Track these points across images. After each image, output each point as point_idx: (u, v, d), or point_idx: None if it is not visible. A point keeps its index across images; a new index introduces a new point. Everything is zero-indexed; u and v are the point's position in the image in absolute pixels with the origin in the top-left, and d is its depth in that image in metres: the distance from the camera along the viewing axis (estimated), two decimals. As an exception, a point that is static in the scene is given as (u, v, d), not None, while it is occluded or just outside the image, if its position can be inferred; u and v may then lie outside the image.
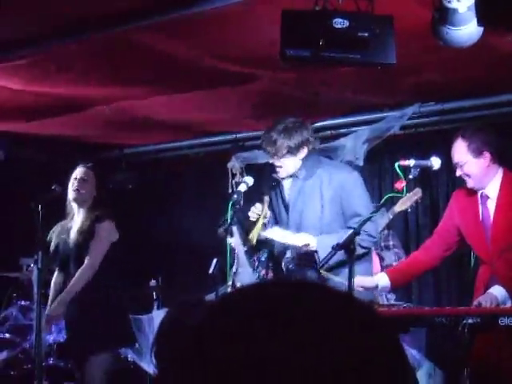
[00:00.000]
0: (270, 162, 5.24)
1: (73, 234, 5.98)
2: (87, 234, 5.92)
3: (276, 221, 5.43)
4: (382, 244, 6.89)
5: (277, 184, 5.36)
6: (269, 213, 5.33)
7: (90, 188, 6.03)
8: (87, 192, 6.00)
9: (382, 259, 7.07)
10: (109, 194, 6.33)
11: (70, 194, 6.00)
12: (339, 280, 4.80)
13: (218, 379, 0.88)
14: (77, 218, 6.03)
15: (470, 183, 4.97)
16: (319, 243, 4.98)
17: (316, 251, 5.00)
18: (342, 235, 4.86)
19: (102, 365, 5.85)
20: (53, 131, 8.14)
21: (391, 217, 6.67)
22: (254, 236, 5.25)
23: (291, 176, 5.24)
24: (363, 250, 4.88)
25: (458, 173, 4.98)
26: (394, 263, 6.53)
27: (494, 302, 4.58)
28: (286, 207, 5.31)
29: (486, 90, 6.90)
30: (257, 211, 5.23)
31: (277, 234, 5.17)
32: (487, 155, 4.89)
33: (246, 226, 5.42)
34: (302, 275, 5.10)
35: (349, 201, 5.09)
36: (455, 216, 5.14)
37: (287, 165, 5.16)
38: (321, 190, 5.14)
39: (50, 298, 6.04)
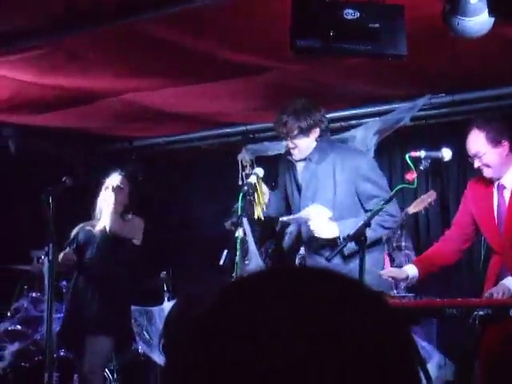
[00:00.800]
0: (284, 144, 5.27)
1: (100, 228, 6.06)
2: (121, 222, 6.02)
3: (288, 203, 5.44)
4: (394, 244, 6.88)
5: (291, 166, 5.38)
6: (266, 189, 5.34)
7: (123, 196, 6.10)
8: (120, 201, 6.08)
9: (392, 260, 7.07)
10: (140, 201, 6.42)
11: (102, 203, 6.07)
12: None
13: (221, 369, 0.88)
14: (106, 218, 6.11)
15: (489, 173, 4.91)
16: (341, 229, 4.98)
17: (338, 237, 4.99)
18: (360, 221, 4.89)
19: (100, 349, 5.87)
20: (63, 123, 8.14)
21: (404, 218, 6.66)
22: (259, 212, 5.27)
23: (304, 159, 5.26)
24: (386, 231, 4.83)
25: (477, 164, 4.91)
26: (404, 265, 6.52)
27: (506, 293, 4.56)
28: (299, 190, 5.33)
29: (497, 81, 6.87)
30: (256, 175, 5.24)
31: (314, 212, 5.15)
32: (506, 144, 4.86)
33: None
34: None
35: (364, 185, 5.10)
36: (470, 205, 5.11)
37: (301, 145, 5.19)
38: (334, 175, 5.15)
39: None
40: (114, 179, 6.12)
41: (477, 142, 4.87)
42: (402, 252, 7.26)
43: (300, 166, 5.33)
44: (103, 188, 6.10)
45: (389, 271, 4.91)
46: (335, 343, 0.87)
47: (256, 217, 5.45)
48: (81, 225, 6.24)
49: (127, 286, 6.04)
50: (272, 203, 5.42)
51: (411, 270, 5.01)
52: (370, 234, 4.61)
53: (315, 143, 5.20)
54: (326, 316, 0.89)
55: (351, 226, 4.83)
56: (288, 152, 5.34)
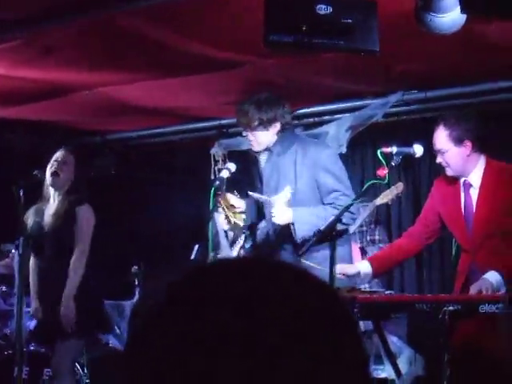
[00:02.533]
0: (244, 134, 5.28)
1: (48, 218, 5.93)
2: (67, 217, 5.88)
3: (259, 205, 5.46)
4: (368, 238, 6.90)
5: (255, 160, 5.40)
6: (239, 202, 5.37)
7: (69, 172, 5.97)
8: (65, 175, 5.94)
9: (364, 253, 7.09)
10: (86, 180, 6.27)
11: (48, 178, 5.94)
12: (315, 266, 4.82)
13: (173, 355, 0.88)
14: (52, 202, 5.98)
15: (450, 171, 4.98)
16: (295, 216, 5.00)
17: (292, 223, 5.01)
18: (320, 211, 4.91)
19: (70, 351, 5.83)
20: (35, 116, 8.10)
21: (372, 209, 6.68)
22: (235, 221, 5.30)
23: (266, 151, 5.27)
24: (343, 226, 4.83)
25: (439, 160, 4.98)
26: None
27: (489, 288, 4.57)
28: (261, 182, 5.35)
29: (470, 78, 6.91)
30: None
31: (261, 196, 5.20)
32: (468, 144, 4.90)
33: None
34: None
35: (324, 177, 5.10)
36: (437, 203, 5.15)
37: (259, 138, 5.20)
38: (295, 166, 5.15)
39: (32, 285, 5.99)
40: (58, 154, 6.02)
41: (440, 139, 4.92)
42: (376, 245, 7.29)
43: (263, 159, 5.34)
44: (48, 166, 5.97)
45: (341, 267, 4.91)
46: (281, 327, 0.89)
47: (228, 227, 5.49)
48: (32, 211, 6.08)
49: (89, 283, 5.94)
50: (248, 211, 5.43)
51: (364, 267, 5.03)
52: (323, 227, 4.61)
53: (275, 137, 5.21)
54: (274, 307, 0.90)
55: (305, 215, 4.93)
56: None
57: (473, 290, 4.64)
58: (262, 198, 5.21)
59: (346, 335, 0.93)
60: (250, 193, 5.26)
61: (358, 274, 5.02)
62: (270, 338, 0.87)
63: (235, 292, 0.91)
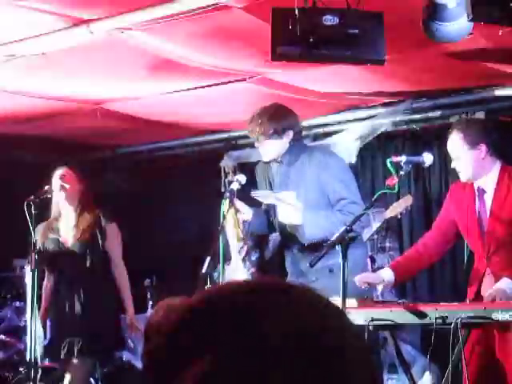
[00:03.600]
0: (256, 145, 5.29)
1: (66, 233, 5.95)
2: (95, 233, 5.91)
3: (269, 217, 5.45)
4: (379, 245, 6.87)
5: (266, 171, 5.41)
6: (247, 209, 5.36)
7: (74, 183, 6.00)
8: (71, 189, 5.97)
9: (373, 261, 7.07)
10: (97, 194, 6.30)
11: (58, 195, 5.96)
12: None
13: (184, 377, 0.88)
14: (68, 217, 6.00)
15: (464, 176, 4.95)
16: (305, 218, 5.02)
17: (301, 226, 5.03)
18: (330, 215, 4.92)
19: (86, 369, 5.83)
20: (44, 132, 8.12)
21: (381, 221, 6.68)
22: (238, 235, 5.32)
23: (276, 161, 5.29)
24: (353, 234, 4.81)
25: (453, 165, 4.95)
26: (386, 266, 6.53)
27: (502, 296, 4.55)
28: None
29: (480, 85, 6.90)
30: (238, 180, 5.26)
31: (267, 198, 5.21)
32: (483, 147, 4.88)
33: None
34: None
35: (333, 185, 5.11)
36: (451, 209, 5.12)
37: (272, 147, 5.22)
38: (304, 176, 5.17)
39: (44, 301, 6.01)
40: (58, 172, 6.04)
41: (454, 142, 4.90)
42: (386, 253, 7.27)
43: (274, 170, 5.36)
44: (53, 186, 6.00)
45: (364, 276, 4.89)
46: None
47: (236, 240, 5.50)
48: (42, 228, 6.08)
49: (108, 295, 5.96)
50: (254, 219, 5.42)
51: (387, 275, 4.99)
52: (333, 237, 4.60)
53: (286, 146, 5.24)
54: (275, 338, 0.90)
55: (315, 217, 4.98)
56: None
57: (486, 298, 4.61)
58: (266, 193, 5.21)
59: (355, 366, 0.93)
60: (253, 193, 5.26)
61: (382, 282, 4.99)
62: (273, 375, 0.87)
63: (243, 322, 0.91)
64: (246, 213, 5.35)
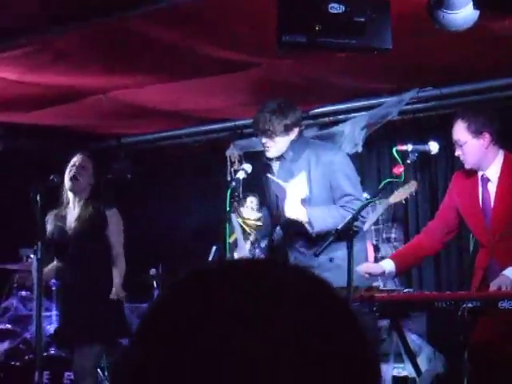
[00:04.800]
0: (263, 141, 5.23)
1: (72, 223, 5.95)
2: (96, 220, 5.90)
3: (266, 203, 5.45)
4: (384, 236, 6.87)
5: (267, 168, 5.37)
6: (257, 215, 5.38)
7: (88, 176, 5.99)
8: (85, 180, 5.96)
9: (377, 250, 7.07)
10: (107, 184, 6.30)
11: (67, 183, 5.96)
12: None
13: (174, 355, 0.88)
14: (73, 207, 6.00)
15: (467, 164, 4.95)
16: (310, 214, 5.00)
17: (308, 222, 5.01)
18: (334, 212, 4.91)
19: (93, 357, 5.84)
20: (50, 121, 8.13)
21: (385, 207, 6.67)
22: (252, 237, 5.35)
23: (278, 158, 5.25)
24: (356, 224, 4.80)
25: (457, 152, 4.95)
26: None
27: (509, 285, 4.54)
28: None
29: (484, 75, 6.89)
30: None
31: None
32: (487, 136, 4.87)
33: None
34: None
35: (337, 181, 5.08)
36: (455, 198, 5.12)
37: (279, 144, 5.17)
38: (309, 172, 5.14)
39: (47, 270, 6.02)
40: (75, 159, 6.03)
41: (459, 130, 4.89)
42: (391, 244, 7.27)
43: (276, 167, 5.31)
44: (66, 171, 5.98)
45: (365, 267, 4.89)
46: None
47: (249, 242, 5.51)
48: (51, 216, 6.08)
49: (111, 283, 5.96)
50: (264, 223, 5.44)
51: (388, 265, 5.00)
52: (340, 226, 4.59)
53: (289, 143, 5.20)
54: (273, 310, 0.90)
55: (319, 213, 4.95)
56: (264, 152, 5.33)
57: (492, 287, 4.61)
58: (279, 181, 5.19)
59: (345, 333, 0.92)
60: (269, 175, 5.24)
61: (383, 272, 5.00)
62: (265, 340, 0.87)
63: (235, 298, 0.90)
64: (255, 217, 5.35)
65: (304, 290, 0.94)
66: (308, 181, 5.12)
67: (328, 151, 5.23)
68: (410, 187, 5.79)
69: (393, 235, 7.05)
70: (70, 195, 5.99)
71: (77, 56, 6.03)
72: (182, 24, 5.37)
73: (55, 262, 6.06)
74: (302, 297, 0.93)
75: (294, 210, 5.05)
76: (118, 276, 5.91)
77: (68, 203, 6.01)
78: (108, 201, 6.04)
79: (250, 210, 5.60)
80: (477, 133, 4.85)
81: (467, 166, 4.96)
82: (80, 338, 5.79)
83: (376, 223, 6.81)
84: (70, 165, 5.97)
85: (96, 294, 5.85)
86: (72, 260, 5.94)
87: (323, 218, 4.96)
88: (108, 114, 7.85)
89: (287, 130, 5.11)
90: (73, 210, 5.99)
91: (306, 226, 4.98)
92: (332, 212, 4.99)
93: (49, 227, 5.98)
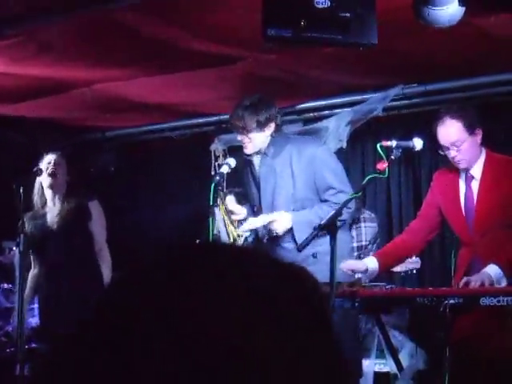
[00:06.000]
0: (239, 138, 5.26)
1: (55, 218, 5.93)
2: (78, 213, 5.89)
3: (248, 199, 5.45)
4: (362, 256, 6.83)
5: (248, 164, 5.38)
6: (241, 209, 5.36)
7: (63, 174, 5.98)
8: (61, 177, 5.96)
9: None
10: (88, 177, 6.29)
11: (46, 180, 5.93)
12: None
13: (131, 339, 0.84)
14: (53, 204, 5.98)
15: (465, 163, 4.90)
16: (294, 219, 5.01)
17: (291, 228, 5.02)
18: (317, 211, 4.92)
19: None
20: (34, 113, 8.09)
21: (373, 234, 6.72)
22: (233, 233, 5.32)
23: (259, 153, 5.26)
24: (340, 223, 4.82)
25: (453, 154, 4.88)
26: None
27: (487, 281, 4.55)
28: (257, 186, 5.33)
29: (469, 72, 6.90)
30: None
31: (256, 223, 5.19)
32: (479, 132, 4.87)
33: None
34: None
35: (321, 174, 5.09)
36: (436, 197, 5.13)
37: (255, 140, 5.18)
38: (291, 166, 5.14)
39: (28, 290, 5.96)
40: (49, 157, 6.01)
41: (455, 130, 4.81)
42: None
43: (257, 162, 5.32)
44: (43, 171, 5.94)
45: (348, 264, 4.90)
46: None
47: (232, 239, 5.50)
48: (27, 218, 5.99)
49: (94, 277, 5.94)
50: (249, 216, 5.42)
51: (371, 263, 5.00)
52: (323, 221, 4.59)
53: (269, 139, 5.20)
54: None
55: (304, 217, 4.98)
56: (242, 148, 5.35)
57: (472, 283, 4.63)
58: (255, 219, 5.21)
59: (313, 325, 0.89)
60: (243, 228, 5.27)
61: (366, 270, 5.00)
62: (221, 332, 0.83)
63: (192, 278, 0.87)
64: (240, 213, 5.35)
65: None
66: (291, 176, 5.12)
67: (309, 145, 5.23)
68: (414, 264, 5.84)
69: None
70: (48, 193, 5.98)
71: (61, 48, 6.00)
72: (167, 16, 5.35)
73: (32, 273, 6.00)
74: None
75: (282, 227, 5.07)
76: (106, 270, 5.92)
77: (45, 202, 5.99)
78: (89, 193, 6.03)
79: (235, 204, 5.59)
80: (472, 130, 4.83)
81: (463, 166, 4.92)
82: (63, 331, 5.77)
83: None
84: (44, 163, 5.95)
85: (80, 290, 5.82)
86: (55, 254, 5.91)
87: (308, 220, 4.97)
88: (93, 107, 7.82)
89: (260, 126, 5.12)
90: (53, 207, 5.97)
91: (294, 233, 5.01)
92: (316, 211, 5.00)
93: (28, 226, 5.94)
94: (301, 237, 4.91)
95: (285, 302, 0.88)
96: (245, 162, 5.42)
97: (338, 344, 0.91)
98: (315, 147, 5.22)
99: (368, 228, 6.82)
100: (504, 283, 4.61)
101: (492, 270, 4.63)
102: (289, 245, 5.14)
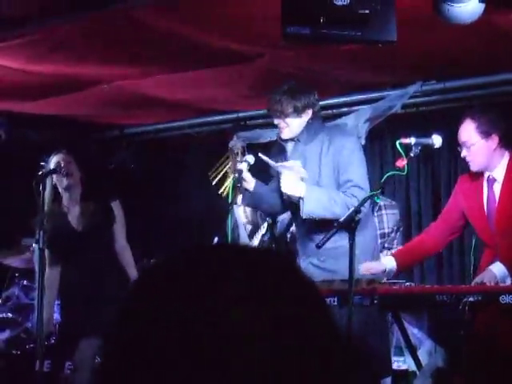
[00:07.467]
0: (276, 122, 5.26)
1: (77, 218, 5.91)
2: (104, 213, 5.89)
3: (282, 195, 5.42)
4: (386, 245, 6.81)
5: (282, 151, 5.38)
6: (250, 178, 5.31)
7: (76, 171, 5.95)
8: (75, 174, 5.93)
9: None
10: (109, 175, 6.29)
11: (63, 182, 5.89)
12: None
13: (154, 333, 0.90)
14: (73, 204, 5.96)
15: (474, 166, 4.92)
16: (307, 191, 5.00)
17: (302, 198, 5.01)
18: (332, 193, 4.91)
19: (93, 348, 5.83)
20: (53, 111, 8.12)
21: (397, 225, 6.69)
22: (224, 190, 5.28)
23: (293, 140, 5.26)
24: (358, 216, 4.78)
25: (464, 153, 4.91)
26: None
27: (492, 279, 4.57)
28: None
29: (489, 69, 6.87)
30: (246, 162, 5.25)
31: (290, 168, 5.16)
32: (495, 137, 4.86)
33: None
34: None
35: (344, 166, 5.09)
36: (460, 201, 5.12)
37: (292, 125, 5.19)
38: (320, 156, 5.16)
39: (47, 290, 5.95)
40: (59, 157, 5.97)
41: (467, 131, 4.86)
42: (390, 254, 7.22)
43: (290, 149, 5.33)
44: (48, 177, 5.90)
45: (366, 266, 4.89)
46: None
47: (246, 220, 5.48)
48: (47, 216, 5.99)
49: (116, 277, 5.95)
50: (259, 194, 5.37)
51: (389, 263, 5.01)
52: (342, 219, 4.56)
53: (305, 124, 5.21)
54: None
55: (317, 192, 4.98)
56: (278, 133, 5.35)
57: (477, 280, 4.64)
58: (271, 162, 5.18)
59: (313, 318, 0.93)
60: (260, 155, 5.22)
61: (384, 270, 5.00)
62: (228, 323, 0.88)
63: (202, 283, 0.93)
64: (249, 181, 5.31)
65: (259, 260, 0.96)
66: (318, 165, 5.14)
67: (341, 135, 5.25)
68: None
69: (395, 246, 6.93)
70: (65, 195, 5.95)
71: (80, 45, 6.01)
72: (185, 13, 5.35)
73: (49, 273, 5.98)
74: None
75: (289, 185, 5.05)
76: (131, 269, 5.95)
77: (61, 203, 5.96)
78: (110, 193, 6.03)
79: (246, 172, 5.55)
80: (486, 134, 4.83)
81: (474, 169, 4.93)
82: (84, 331, 5.79)
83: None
84: (53, 164, 5.88)
85: (102, 288, 5.84)
86: (83, 257, 5.90)
87: (320, 197, 4.96)
88: (111, 104, 7.84)
89: (297, 111, 5.13)
90: (72, 207, 5.95)
91: (300, 202, 4.99)
92: (331, 194, 4.99)
93: (47, 225, 5.91)
94: (307, 210, 4.93)
95: (285, 300, 0.92)
96: (279, 151, 5.42)
97: (337, 336, 0.95)
98: (346, 137, 5.24)
99: (390, 215, 6.79)
100: (508, 281, 4.63)
101: (497, 268, 4.65)
102: (315, 236, 5.11)
